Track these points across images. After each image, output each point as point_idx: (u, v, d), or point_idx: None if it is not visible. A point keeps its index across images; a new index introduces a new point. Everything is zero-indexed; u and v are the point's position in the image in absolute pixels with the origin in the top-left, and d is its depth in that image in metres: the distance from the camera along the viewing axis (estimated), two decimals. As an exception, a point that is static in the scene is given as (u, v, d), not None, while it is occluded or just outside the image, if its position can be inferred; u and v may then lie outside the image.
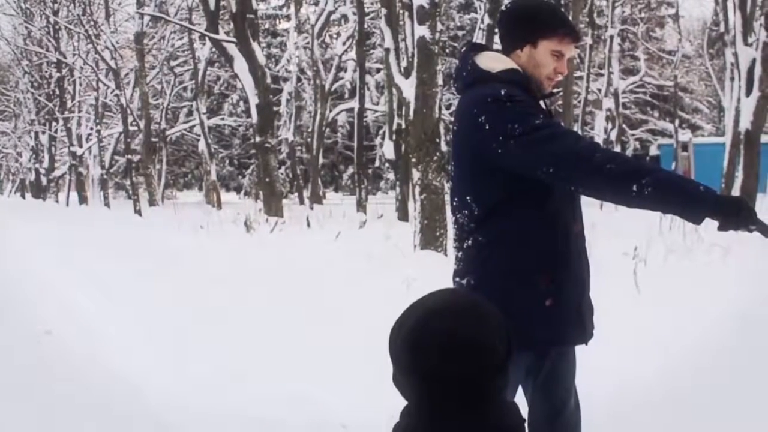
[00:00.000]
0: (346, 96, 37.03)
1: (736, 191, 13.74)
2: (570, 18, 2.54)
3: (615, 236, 9.34)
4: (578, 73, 26.43)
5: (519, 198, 2.43)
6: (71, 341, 5.75)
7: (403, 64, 15.21)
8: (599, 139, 26.70)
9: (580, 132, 24.35)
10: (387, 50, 15.90)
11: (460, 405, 1.60)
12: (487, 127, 2.38)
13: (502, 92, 2.41)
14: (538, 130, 2.32)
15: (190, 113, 37.48)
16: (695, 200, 2.17)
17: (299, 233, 12.32)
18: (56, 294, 7.95)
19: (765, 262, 7.16)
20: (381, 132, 36.50)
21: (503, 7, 2.80)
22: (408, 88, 10.96)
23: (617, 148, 28.68)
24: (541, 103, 2.59)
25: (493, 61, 2.55)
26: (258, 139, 15.99)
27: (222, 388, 4.44)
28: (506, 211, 2.44)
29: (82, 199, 32.93)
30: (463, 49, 2.71)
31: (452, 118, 2.78)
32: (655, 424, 3.77)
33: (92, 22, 26.90)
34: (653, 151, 35.52)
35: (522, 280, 2.43)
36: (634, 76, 32.86)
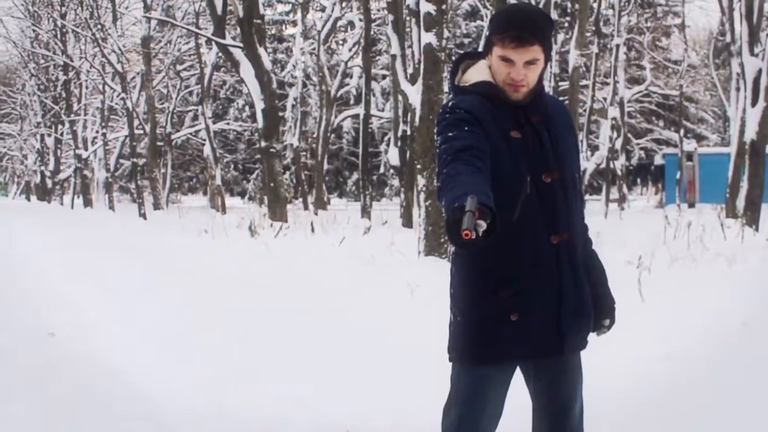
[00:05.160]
0: (352, 102, 37.11)
1: (741, 201, 13.74)
2: (528, 22, 2.42)
3: (620, 245, 9.35)
4: (584, 82, 26.44)
5: None
6: (74, 343, 5.77)
7: (410, 70, 15.22)
8: (604, 147, 26.65)
9: (585, 141, 24.39)
10: (393, 57, 15.91)
11: None
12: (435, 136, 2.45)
13: (450, 103, 2.47)
14: (444, 143, 2.35)
15: (195, 117, 37.55)
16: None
17: (303, 238, 12.33)
18: (60, 296, 7.98)
19: (769, 271, 7.17)
20: (386, 138, 36.48)
21: None
22: (414, 94, 10.95)
23: (622, 157, 28.71)
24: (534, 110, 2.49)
25: (472, 73, 2.55)
26: (263, 144, 16.02)
27: (225, 390, 4.45)
28: None
29: (87, 202, 33.02)
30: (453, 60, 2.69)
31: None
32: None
33: (99, 26, 27.03)
34: (658, 160, 35.50)
35: (485, 293, 2.43)
36: (639, 86, 32.85)
